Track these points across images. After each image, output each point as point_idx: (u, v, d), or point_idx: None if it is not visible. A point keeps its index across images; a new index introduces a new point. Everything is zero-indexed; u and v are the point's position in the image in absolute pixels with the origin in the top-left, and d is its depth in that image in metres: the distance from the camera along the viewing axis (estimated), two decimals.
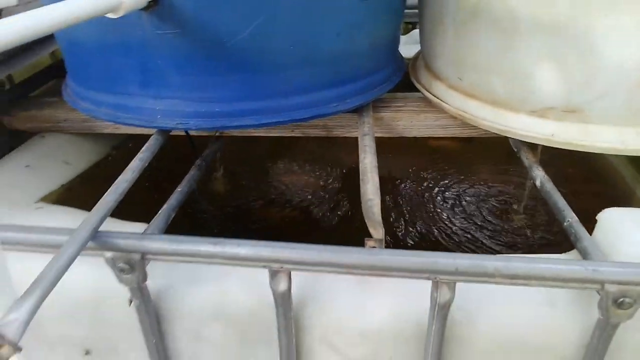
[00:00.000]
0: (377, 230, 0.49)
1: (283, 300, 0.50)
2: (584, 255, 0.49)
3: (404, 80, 0.84)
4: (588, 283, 0.44)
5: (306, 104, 0.68)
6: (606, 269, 0.43)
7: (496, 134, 0.69)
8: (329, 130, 0.78)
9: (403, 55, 0.89)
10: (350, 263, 0.46)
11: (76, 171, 0.78)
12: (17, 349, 0.36)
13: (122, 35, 0.63)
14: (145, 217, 0.59)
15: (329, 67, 0.68)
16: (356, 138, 0.67)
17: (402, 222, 0.98)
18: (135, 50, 0.64)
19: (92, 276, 0.55)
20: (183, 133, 0.78)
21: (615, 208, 0.54)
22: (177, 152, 0.80)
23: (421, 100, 0.80)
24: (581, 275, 0.43)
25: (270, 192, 1.05)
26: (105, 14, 0.52)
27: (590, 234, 0.53)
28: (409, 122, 0.77)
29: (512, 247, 0.91)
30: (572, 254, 0.52)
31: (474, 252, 0.90)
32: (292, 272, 0.49)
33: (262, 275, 0.49)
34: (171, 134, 0.73)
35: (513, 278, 0.44)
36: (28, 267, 0.43)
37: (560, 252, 0.54)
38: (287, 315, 0.51)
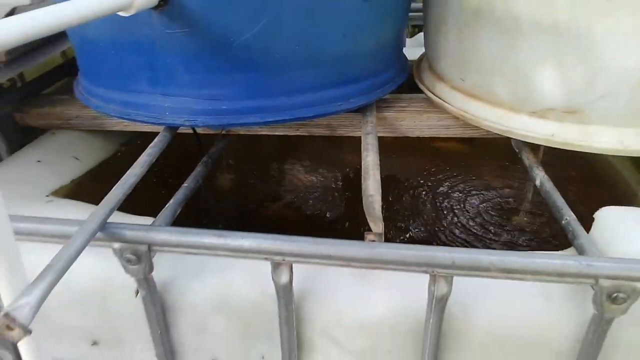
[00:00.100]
0: (376, 225, 0.50)
1: (285, 293, 0.51)
2: (581, 252, 0.50)
3: (409, 82, 0.85)
4: (582, 278, 0.45)
5: (310, 103, 0.70)
6: (600, 264, 0.44)
7: (498, 134, 0.70)
8: (333, 129, 0.80)
9: (408, 58, 0.91)
10: (350, 256, 0.47)
11: (86, 167, 0.80)
12: (27, 331, 0.38)
13: (133, 34, 0.65)
14: (153, 212, 0.60)
15: (333, 67, 0.70)
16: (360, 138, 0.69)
17: (406, 221, 0.99)
18: (145, 49, 0.65)
19: (100, 268, 0.57)
20: (190, 131, 0.80)
21: (612, 207, 0.55)
22: (184, 150, 0.82)
23: (424, 101, 0.81)
24: (575, 270, 0.44)
25: (276, 190, 1.06)
26: (117, 12, 0.54)
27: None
28: (411, 122, 0.78)
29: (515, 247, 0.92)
30: (569, 251, 0.53)
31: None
32: (293, 265, 0.50)
33: (265, 268, 0.50)
34: (179, 132, 0.74)
35: (509, 272, 0.45)
36: (39, 257, 0.44)
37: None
38: (289, 307, 0.52)
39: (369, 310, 0.53)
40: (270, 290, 0.52)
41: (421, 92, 0.83)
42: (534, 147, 0.70)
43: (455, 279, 0.47)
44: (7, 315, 0.37)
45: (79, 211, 0.63)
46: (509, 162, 1.11)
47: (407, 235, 0.96)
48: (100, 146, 0.86)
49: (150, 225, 0.53)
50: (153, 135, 0.69)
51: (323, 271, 0.55)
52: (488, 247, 0.91)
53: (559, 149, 0.65)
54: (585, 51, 0.60)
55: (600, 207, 0.57)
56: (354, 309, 0.53)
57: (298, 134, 0.80)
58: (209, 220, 0.94)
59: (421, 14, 0.86)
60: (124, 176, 0.58)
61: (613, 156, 0.99)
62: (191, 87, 0.67)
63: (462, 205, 1.04)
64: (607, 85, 0.60)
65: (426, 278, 0.48)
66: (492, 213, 1.01)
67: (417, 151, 1.14)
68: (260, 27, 0.63)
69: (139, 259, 0.51)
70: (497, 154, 1.12)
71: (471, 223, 0.98)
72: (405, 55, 0.89)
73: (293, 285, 0.51)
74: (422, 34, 1.34)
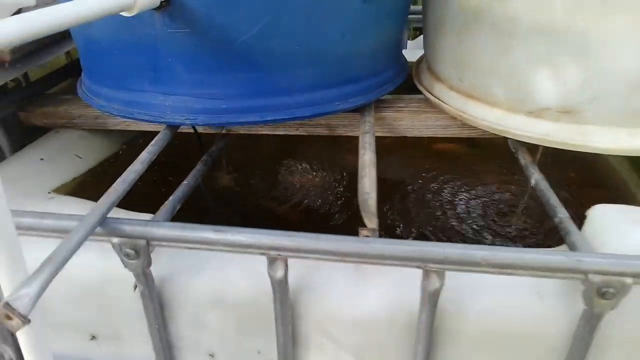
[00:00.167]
0: (371, 221, 0.51)
1: (280, 287, 0.52)
2: (572, 248, 0.51)
3: (409, 84, 0.86)
4: (572, 273, 0.45)
5: (309, 102, 0.71)
6: (589, 260, 0.45)
7: (495, 134, 0.71)
8: (332, 129, 0.81)
9: (409, 60, 0.91)
10: (344, 251, 0.48)
11: (88, 165, 0.81)
12: (26, 321, 0.39)
13: (135, 35, 0.66)
14: (154, 211, 0.61)
15: (333, 67, 0.71)
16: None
17: (406, 223, 0.99)
18: (146, 49, 0.66)
19: (99, 264, 0.58)
20: (191, 130, 0.81)
21: (604, 204, 0.56)
22: (185, 150, 0.83)
23: (423, 101, 0.82)
24: (565, 265, 0.45)
25: (277, 191, 1.07)
26: (120, 12, 0.55)
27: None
28: (410, 122, 0.79)
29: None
30: (562, 248, 0.54)
31: None
32: (290, 261, 0.51)
33: (262, 264, 0.51)
34: (181, 132, 0.75)
35: (500, 267, 0.46)
36: (41, 253, 0.45)
37: None
38: (284, 302, 0.53)
39: (364, 306, 0.54)
40: (266, 287, 0.52)
41: (420, 93, 0.84)
42: (531, 148, 0.71)
43: (449, 275, 0.48)
44: (7, 305, 0.38)
45: (80, 207, 0.64)
46: (510, 163, 1.11)
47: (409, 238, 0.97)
48: (102, 145, 0.87)
49: (149, 220, 0.54)
50: (154, 134, 0.71)
51: (319, 267, 0.56)
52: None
53: (559, 151, 0.66)
54: (580, 52, 0.60)
55: None
56: (349, 305, 0.54)
57: (298, 133, 0.81)
58: (210, 221, 0.95)
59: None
60: (125, 172, 0.59)
61: (612, 158, 1.00)
62: (192, 87, 0.68)
63: (463, 207, 1.05)
64: (601, 86, 0.61)
65: (420, 274, 0.48)
66: (492, 215, 1.02)
67: (417, 153, 1.15)
68: (260, 27, 0.64)
69: (137, 253, 0.52)
70: (498, 156, 1.12)
71: (473, 226, 0.99)
72: (404, 57, 0.90)
73: (289, 281, 0.52)
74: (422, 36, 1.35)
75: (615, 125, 0.63)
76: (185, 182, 0.66)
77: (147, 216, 0.61)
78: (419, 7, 0.92)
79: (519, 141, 0.70)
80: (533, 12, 0.62)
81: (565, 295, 0.50)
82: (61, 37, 0.88)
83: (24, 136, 0.86)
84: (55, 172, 0.75)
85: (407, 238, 0.96)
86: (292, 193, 1.07)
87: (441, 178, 1.13)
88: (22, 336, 0.44)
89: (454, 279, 0.49)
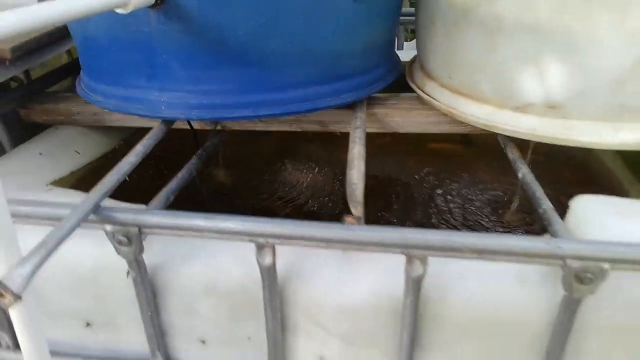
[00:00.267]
0: (357, 209, 0.52)
1: (269, 274, 0.53)
2: (554, 236, 0.52)
3: (403, 84, 0.88)
4: (551, 259, 0.46)
5: (302, 98, 0.72)
6: (568, 245, 0.46)
7: (484, 130, 0.72)
8: (324, 125, 0.82)
9: (405, 61, 0.93)
10: (329, 237, 0.50)
11: (85, 160, 0.83)
12: (17, 298, 0.40)
13: (131, 32, 0.68)
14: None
15: (325, 64, 0.72)
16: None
17: (399, 221, 1.01)
18: (142, 46, 0.68)
19: (94, 251, 0.59)
20: (187, 126, 0.83)
21: (587, 195, 0.57)
22: (181, 147, 0.85)
23: (415, 99, 0.83)
24: (544, 251, 0.46)
25: (273, 188, 1.09)
26: (115, 8, 0.57)
27: None
28: (401, 118, 0.80)
29: None
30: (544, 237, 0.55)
31: None
32: (279, 249, 0.52)
33: (253, 252, 0.52)
34: (177, 129, 0.77)
35: (481, 253, 0.47)
36: (37, 240, 0.46)
37: None
38: (273, 289, 0.54)
39: (351, 293, 0.55)
40: (257, 275, 0.54)
41: (413, 92, 0.85)
42: (522, 146, 0.72)
43: (433, 262, 0.49)
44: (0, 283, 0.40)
45: (77, 199, 0.65)
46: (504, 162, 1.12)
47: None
48: (100, 141, 0.89)
49: (141, 209, 0.56)
50: None
51: (307, 255, 0.57)
52: None
53: (553, 151, 0.67)
54: (565, 50, 0.62)
55: None
56: (337, 292, 0.55)
57: (291, 129, 0.83)
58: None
59: None
60: (119, 163, 0.60)
61: (605, 157, 1.01)
62: (187, 83, 0.70)
63: (458, 204, 1.06)
64: (586, 82, 0.62)
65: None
66: (488, 213, 1.03)
67: (413, 153, 1.16)
68: (254, 25, 0.66)
69: (129, 240, 0.53)
70: (492, 154, 1.13)
71: (469, 222, 1.00)
72: (397, 56, 0.92)
73: (278, 268, 0.53)
74: None
75: (600, 120, 0.64)
76: (179, 174, 0.68)
77: (141, 207, 0.63)
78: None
79: (508, 137, 0.71)
80: (519, 10, 0.64)
81: (547, 282, 0.51)
82: (61, 35, 0.90)
83: (25, 133, 0.88)
84: (54, 166, 0.77)
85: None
86: (288, 190, 1.08)
87: (437, 177, 1.14)
88: (16, 318, 0.46)
89: (438, 265, 0.51)
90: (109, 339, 0.63)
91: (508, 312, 0.52)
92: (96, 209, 0.53)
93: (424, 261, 0.49)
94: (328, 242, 0.50)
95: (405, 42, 1.26)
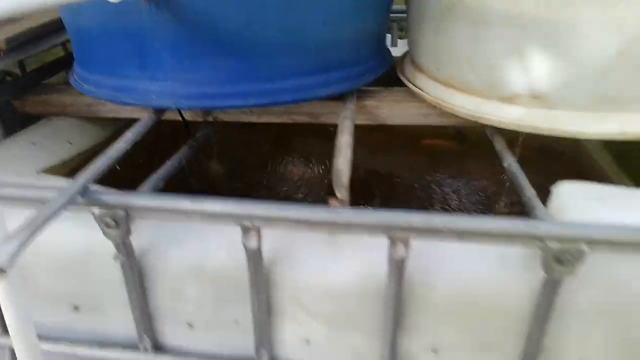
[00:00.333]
0: (341, 193, 0.53)
1: (254, 257, 0.54)
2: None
3: (395, 78, 0.89)
4: (530, 239, 0.47)
5: (291, 89, 0.73)
6: (546, 227, 0.47)
7: (473, 121, 0.73)
8: (314, 116, 0.83)
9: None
10: (313, 220, 0.50)
11: (78, 150, 0.83)
12: (2, 272, 0.41)
13: (122, 21, 0.69)
14: None
15: (314, 55, 0.73)
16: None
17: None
18: (134, 36, 0.69)
19: (82, 235, 0.60)
20: (178, 117, 0.84)
21: (568, 181, 0.58)
22: (174, 138, 0.85)
23: (405, 91, 0.84)
24: (523, 232, 0.47)
25: (266, 180, 1.10)
26: None
27: None
28: (390, 110, 0.81)
29: None
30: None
31: None
32: (265, 233, 0.53)
33: (239, 236, 0.53)
34: (171, 122, 0.78)
35: (461, 234, 0.48)
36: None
37: None
38: (258, 272, 0.55)
39: (336, 276, 0.55)
40: (243, 258, 0.54)
41: (405, 86, 0.86)
42: (511, 139, 0.73)
43: (417, 245, 0.50)
44: None
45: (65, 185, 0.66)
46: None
47: None
48: (93, 132, 0.90)
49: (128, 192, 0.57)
50: None
51: (294, 239, 0.58)
52: None
53: (544, 147, 0.68)
54: (549, 40, 0.63)
55: None
56: (322, 275, 0.56)
57: (281, 121, 0.84)
58: None
59: None
60: (107, 149, 0.61)
61: (594, 151, 1.02)
62: (177, 72, 0.71)
63: (454, 199, 1.07)
64: (570, 73, 0.63)
65: None
66: (481, 208, 1.04)
67: (407, 149, 1.17)
68: (243, 15, 0.67)
69: (117, 223, 0.54)
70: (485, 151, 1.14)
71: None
72: (388, 49, 0.93)
73: (264, 252, 0.54)
74: None
75: (585, 110, 0.65)
76: (169, 162, 0.69)
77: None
78: None
79: (496, 128, 0.72)
80: (504, 2, 0.65)
81: (528, 264, 0.52)
82: (56, 27, 0.91)
83: (18, 124, 0.89)
84: (46, 155, 0.78)
85: None
86: (281, 182, 1.09)
87: (430, 172, 1.15)
88: (1, 294, 0.46)
89: (422, 248, 0.51)
90: (97, 322, 0.63)
91: (490, 294, 0.53)
92: (84, 191, 0.53)
93: (406, 243, 0.49)
94: (313, 225, 0.50)
95: (399, 40, 1.27)
